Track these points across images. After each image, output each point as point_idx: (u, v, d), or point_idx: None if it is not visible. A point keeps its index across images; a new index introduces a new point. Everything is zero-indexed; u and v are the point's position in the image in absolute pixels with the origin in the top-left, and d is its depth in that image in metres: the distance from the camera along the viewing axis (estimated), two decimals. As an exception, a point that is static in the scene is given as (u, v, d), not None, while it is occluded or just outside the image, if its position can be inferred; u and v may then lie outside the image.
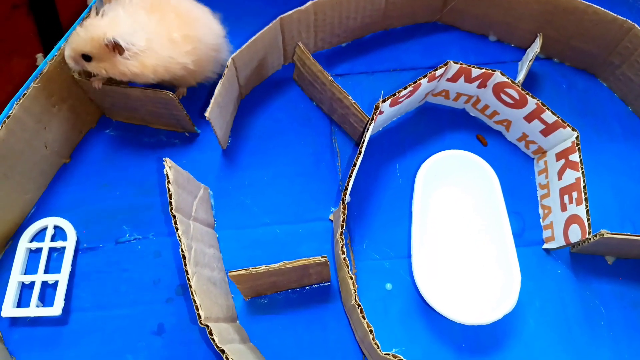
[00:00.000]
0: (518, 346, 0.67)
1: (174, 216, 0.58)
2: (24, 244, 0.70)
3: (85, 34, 0.64)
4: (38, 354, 0.66)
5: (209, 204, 0.73)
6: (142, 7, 0.67)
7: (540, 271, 0.72)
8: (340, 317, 0.68)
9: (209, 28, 0.74)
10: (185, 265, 0.57)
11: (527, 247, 0.72)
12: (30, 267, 0.71)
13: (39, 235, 0.72)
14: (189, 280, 0.56)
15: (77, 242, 0.71)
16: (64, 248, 0.70)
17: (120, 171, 0.76)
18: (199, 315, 0.55)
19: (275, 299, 0.69)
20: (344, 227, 0.63)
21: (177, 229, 0.58)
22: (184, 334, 0.67)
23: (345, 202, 0.64)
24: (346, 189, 0.64)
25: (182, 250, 0.57)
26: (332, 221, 0.73)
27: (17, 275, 0.69)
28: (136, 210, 0.74)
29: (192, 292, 0.56)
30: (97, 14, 0.65)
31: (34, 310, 0.66)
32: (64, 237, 0.71)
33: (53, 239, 0.72)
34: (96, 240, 0.72)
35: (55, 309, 0.66)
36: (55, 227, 0.72)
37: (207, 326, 0.54)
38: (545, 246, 0.72)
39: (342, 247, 0.62)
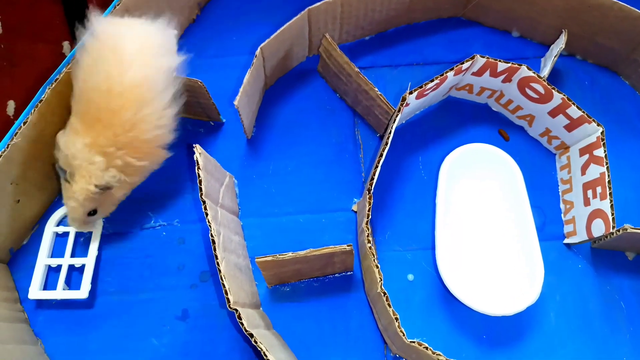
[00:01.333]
0: (538, 339, 0.68)
1: (204, 202, 0.59)
2: (50, 228, 0.71)
3: (77, 202, 0.64)
4: (63, 336, 0.67)
5: (234, 192, 0.73)
6: (87, 146, 0.63)
7: (561, 266, 0.72)
8: (362, 306, 0.69)
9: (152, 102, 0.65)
10: (215, 250, 0.58)
11: (548, 242, 0.72)
12: (57, 251, 0.72)
13: (66, 220, 0.73)
14: (218, 265, 0.57)
15: (103, 227, 0.72)
16: (90, 232, 0.71)
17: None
18: (227, 299, 0.55)
19: (297, 287, 0.70)
20: (370, 217, 0.63)
21: (206, 214, 0.59)
22: (208, 319, 0.68)
23: (371, 192, 0.64)
24: (372, 178, 0.64)
25: (211, 235, 0.58)
26: (354, 212, 0.74)
27: (43, 259, 0.70)
28: (161, 197, 0.74)
29: (221, 276, 0.56)
30: (67, 180, 0.64)
31: (60, 293, 0.67)
32: (90, 222, 0.72)
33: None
34: (121, 225, 0.73)
35: (82, 292, 0.67)
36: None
37: (236, 310, 0.55)
38: (566, 241, 0.72)
39: (367, 236, 0.62)
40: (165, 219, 0.73)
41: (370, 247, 0.62)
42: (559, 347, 0.68)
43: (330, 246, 0.61)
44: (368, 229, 0.63)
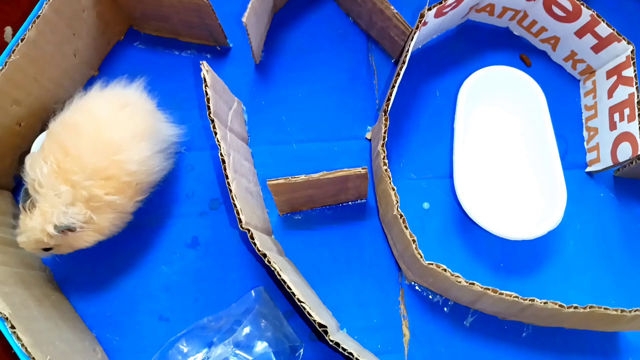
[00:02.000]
0: (556, 267, 0.66)
1: (212, 120, 0.56)
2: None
3: (29, 238, 0.56)
4: (72, 265, 0.66)
5: (243, 119, 0.71)
6: (54, 172, 0.56)
7: (582, 194, 0.70)
8: (376, 233, 0.67)
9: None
10: (225, 169, 0.55)
11: (569, 171, 0.70)
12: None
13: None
14: (229, 185, 0.55)
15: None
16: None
17: (150, 85, 0.73)
18: (239, 219, 0.54)
19: (310, 216, 0.68)
20: (386, 139, 0.61)
21: (215, 133, 0.56)
22: (219, 246, 0.66)
23: (387, 114, 0.61)
24: (388, 99, 0.61)
25: (221, 155, 0.56)
26: (368, 140, 0.71)
27: None
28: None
29: (232, 196, 0.54)
30: (26, 210, 0.56)
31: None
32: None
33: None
34: (128, 153, 0.70)
35: (90, 218, 0.65)
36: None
37: (249, 230, 0.53)
38: (588, 169, 0.70)
39: (383, 158, 0.60)
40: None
41: (386, 170, 0.59)
42: (577, 275, 0.66)
43: (345, 169, 0.58)
44: (384, 152, 0.60)
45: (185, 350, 0.60)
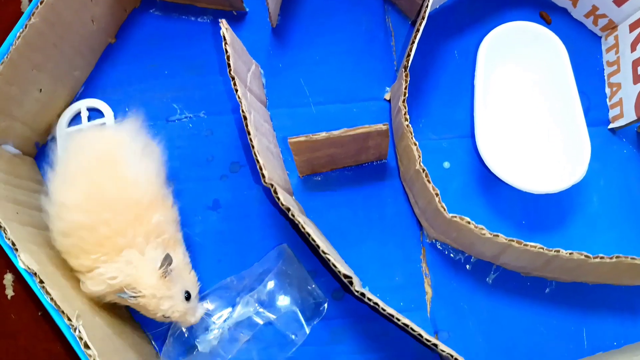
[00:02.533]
0: (579, 224, 0.66)
1: (233, 78, 0.56)
2: (62, 130, 0.69)
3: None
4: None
5: (261, 82, 0.71)
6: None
7: (606, 151, 0.69)
8: (397, 193, 0.67)
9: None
10: (247, 126, 0.55)
11: (592, 128, 0.68)
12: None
13: (77, 120, 0.71)
14: (251, 142, 0.55)
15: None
16: (104, 125, 0.69)
17: (168, 50, 0.73)
18: (262, 174, 0.54)
19: (330, 177, 0.68)
20: (407, 95, 0.60)
21: (236, 90, 0.56)
22: (240, 208, 0.67)
23: (408, 69, 0.61)
24: (408, 54, 0.61)
25: (242, 112, 0.56)
26: (387, 101, 0.71)
27: None
28: (185, 89, 0.72)
29: (254, 152, 0.54)
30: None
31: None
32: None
33: (90, 120, 0.70)
34: (147, 118, 0.70)
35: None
36: (90, 110, 0.71)
37: (272, 185, 0.53)
38: (611, 125, 0.69)
39: (404, 114, 0.60)
40: (191, 110, 0.71)
41: (407, 125, 0.59)
42: (602, 231, 0.65)
43: (366, 125, 0.58)
44: (405, 107, 0.60)
45: (210, 308, 0.61)
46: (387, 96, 0.71)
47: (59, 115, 0.70)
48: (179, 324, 0.58)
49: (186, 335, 0.59)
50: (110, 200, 0.55)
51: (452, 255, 0.65)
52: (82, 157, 0.58)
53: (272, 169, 0.59)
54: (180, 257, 0.58)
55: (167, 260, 0.53)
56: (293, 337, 0.52)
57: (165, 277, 0.53)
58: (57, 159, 0.60)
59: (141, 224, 0.55)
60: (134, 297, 0.52)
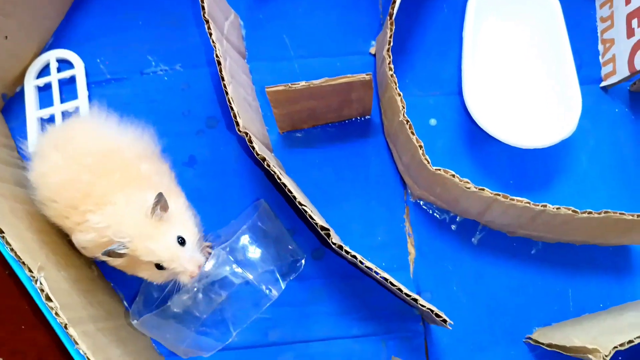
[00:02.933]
0: (568, 184, 0.64)
1: (207, 21, 0.53)
2: (30, 82, 0.66)
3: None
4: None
5: (240, 32, 0.67)
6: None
7: (597, 110, 0.67)
8: (381, 151, 0.65)
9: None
10: (221, 71, 0.52)
11: (583, 86, 0.66)
12: (45, 103, 0.66)
13: (46, 72, 0.68)
14: (225, 88, 0.52)
15: (100, 74, 0.67)
16: (73, 77, 0.66)
17: (141, 0, 0.70)
18: (237, 122, 0.51)
19: (311, 133, 0.65)
20: (391, 44, 0.57)
21: (210, 34, 0.53)
22: (217, 165, 0.64)
23: (393, 18, 0.58)
24: (394, 2, 0.58)
25: (216, 56, 0.53)
26: (373, 55, 0.68)
27: (33, 112, 0.65)
28: (160, 40, 0.68)
29: (229, 99, 0.52)
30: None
31: (60, 140, 0.63)
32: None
33: (59, 71, 0.67)
34: (120, 71, 0.67)
35: (83, 133, 0.63)
36: (60, 61, 0.67)
37: (247, 133, 0.51)
38: (603, 83, 0.66)
39: (389, 64, 0.57)
40: (166, 63, 0.67)
41: (392, 75, 0.56)
42: (591, 191, 0.64)
43: (348, 75, 0.55)
44: (389, 57, 0.57)
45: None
46: (372, 50, 0.68)
47: (27, 67, 0.67)
48: (178, 280, 0.51)
49: (155, 295, 0.57)
50: (90, 153, 0.52)
51: (436, 214, 0.63)
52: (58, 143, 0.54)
53: (249, 120, 0.56)
54: (180, 205, 0.54)
55: (160, 198, 0.48)
56: (267, 291, 0.50)
57: (153, 216, 0.49)
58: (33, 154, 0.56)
59: (128, 171, 0.52)
60: (122, 244, 0.47)
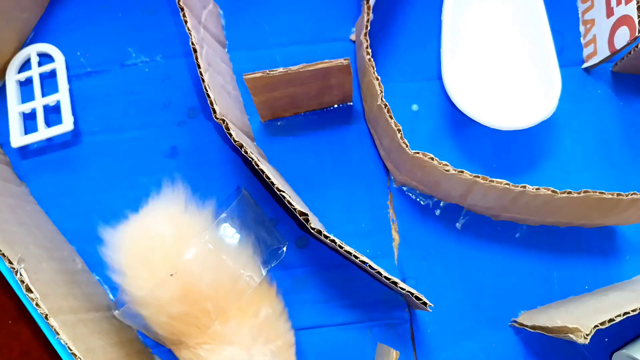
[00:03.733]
0: (551, 168, 0.64)
1: (182, 8, 0.53)
2: (11, 77, 0.66)
3: None
4: (49, 179, 0.64)
5: (219, 21, 0.67)
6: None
7: (579, 92, 0.66)
8: (363, 137, 0.64)
9: None
10: (197, 59, 0.52)
11: (565, 68, 0.66)
12: (26, 98, 0.66)
13: (27, 66, 0.67)
14: (201, 75, 0.52)
15: (80, 66, 0.67)
16: (54, 71, 0.66)
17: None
18: (213, 110, 0.51)
19: (293, 121, 0.65)
20: (369, 28, 0.57)
21: (185, 22, 0.53)
22: (199, 156, 0.64)
23: (370, 1, 0.58)
24: (371, -14, 0.57)
25: (192, 44, 0.52)
26: (353, 41, 0.68)
27: (14, 107, 0.65)
28: (140, 31, 0.68)
29: (205, 86, 0.51)
30: None
31: (44, 132, 0.63)
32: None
33: (40, 65, 0.67)
34: (100, 63, 0.67)
35: (66, 125, 0.63)
36: (40, 55, 0.67)
37: (224, 120, 0.50)
38: (585, 65, 0.66)
39: (366, 48, 0.57)
40: (147, 54, 0.67)
41: (369, 60, 0.56)
42: (575, 175, 0.63)
43: (326, 60, 0.55)
44: (366, 41, 0.57)
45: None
46: (352, 37, 0.68)
47: (7, 62, 0.66)
48: None
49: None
50: (209, 290, 0.50)
51: (420, 200, 0.63)
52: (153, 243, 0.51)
53: (227, 108, 0.56)
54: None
55: None
56: (247, 279, 0.50)
57: None
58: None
59: (245, 316, 0.51)
60: None
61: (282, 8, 0.69)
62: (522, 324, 0.57)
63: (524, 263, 0.61)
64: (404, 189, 0.63)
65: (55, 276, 0.53)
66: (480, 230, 0.62)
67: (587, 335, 0.47)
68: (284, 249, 0.55)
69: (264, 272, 0.52)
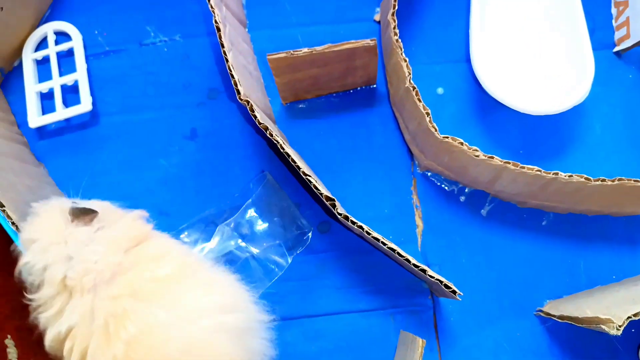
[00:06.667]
0: (580, 152, 0.62)
1: (205, -15, 0.51)
2: (28, 56, 0.65)
3: None
4: (67, 160, 0.63)
5: (240, 1, 0.65)
6: None
7: (610, 76, 0.64)
8: (386, 120, 0.63)
9: None
10: (221, 38, 0.51)
11: (596, 51, 0.63)
12: (44, 77, 0.65)
13: (43, 44, 0.66)
14: (225, 55, 0.50)
15: (98, 45, 0.65)
16: (71, 50, 0.65)
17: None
18: (237, 90, 0.49)
19: (315, 104, 0.64)
20: (396, 8, 0.55)
21: (208, 0, 0.51)
22: (219, 137, 0.63)
23: (398, -19, 0.56)
24: (399, -36, 0.55)
25: (215, 22, 0.51)
26: (377, 22, 0.66)
27: (32, 86, 0.63)
28: (159, 10, 0.66)
29: (229, 66, 0.50)
30: None
31: (62, 112, 0.62)
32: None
33: (57, 44, 0.65)
34: (118, 42, 0.66)
35: (84, 106, 0.62)
36: (57, 33, 0.66)
37: (248, 102, 0.49)
38: (617, 48, 0.64)
39: (394, 28, 0.55)
40: (166, 33, 0.66)
41: (397, 40, 0.54)
42: (604, 160, 0.62)
43: (352, 40, 0.53)
44: (394, 21, 0.55)
45: (187, 241, 0.58)
46: (377, 17, 0.66)
47: (24, 40, 0.65)
48: None
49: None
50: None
51: (444, 186, 0.61)
52: None
53: (250, 89, 0.54)
54: None
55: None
56: (273, 266, 0.49)
57: None
58: None
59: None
60: None
61: (304, -14, 0.67)
62: (548, 314, 0.56)
63: (550, 251, 0.60)
64: (428, 174, 0.61)
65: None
66: (506, 217, 0.60)
67: (620, 326, 0.45)
68: (309, 235, 0.54)
69: (289, 259, 0.51)
